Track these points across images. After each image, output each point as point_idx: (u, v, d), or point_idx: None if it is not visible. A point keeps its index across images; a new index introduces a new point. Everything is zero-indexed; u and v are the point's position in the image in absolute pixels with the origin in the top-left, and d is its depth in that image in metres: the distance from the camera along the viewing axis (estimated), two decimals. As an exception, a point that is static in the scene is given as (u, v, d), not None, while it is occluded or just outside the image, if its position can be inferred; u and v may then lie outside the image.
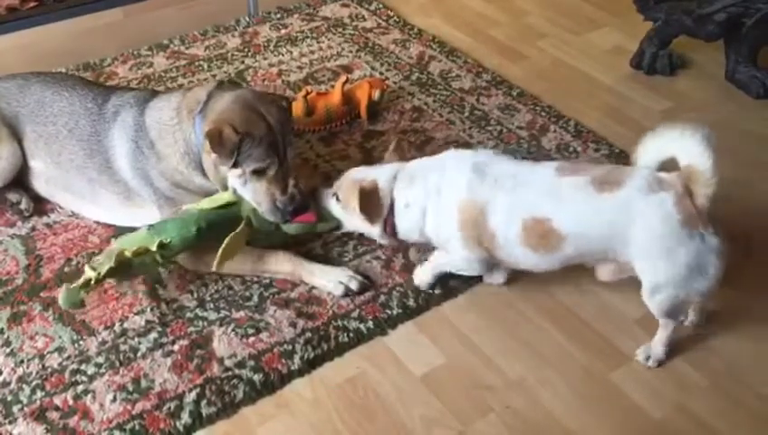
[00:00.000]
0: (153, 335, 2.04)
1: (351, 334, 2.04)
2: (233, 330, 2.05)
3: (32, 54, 3.20)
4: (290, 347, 2.00)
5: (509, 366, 1.97)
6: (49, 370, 1.96)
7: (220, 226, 2.09)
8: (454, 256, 2.05)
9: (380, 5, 3.62)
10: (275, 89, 3.03)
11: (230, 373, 1.94)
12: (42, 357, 1.99)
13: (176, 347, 2.01)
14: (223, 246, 2.04)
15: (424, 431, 1.83)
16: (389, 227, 2.08)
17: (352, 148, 2.72)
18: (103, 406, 1.87)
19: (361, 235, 2.22)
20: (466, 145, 2.70)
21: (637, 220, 1.81)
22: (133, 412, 1.85)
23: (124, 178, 2.27)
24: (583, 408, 1.87)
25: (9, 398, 1.89)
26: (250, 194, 2.12)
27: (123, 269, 2.01)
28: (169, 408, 1.86)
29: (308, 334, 2.03)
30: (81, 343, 2.02)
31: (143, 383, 1.92)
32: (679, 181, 1.80)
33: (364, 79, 2.96)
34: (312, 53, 3.28)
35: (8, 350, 2.01)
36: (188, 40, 3.36)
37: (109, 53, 3.25)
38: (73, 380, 1.93)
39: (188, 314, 2.10)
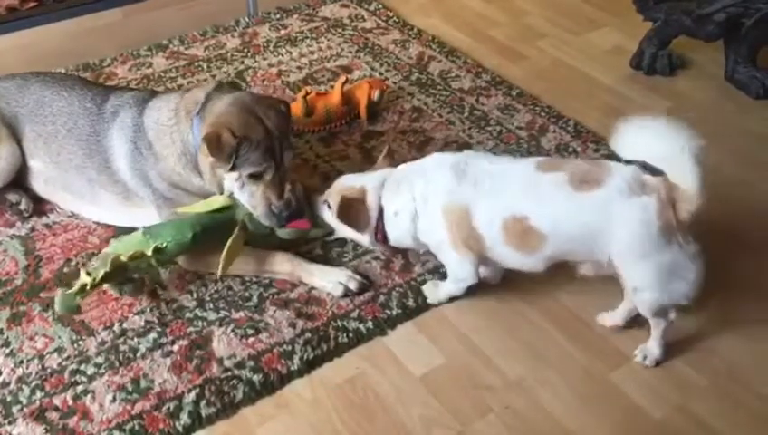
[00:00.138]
0: (152, 336, 2.04)
1: (351, 335, 2.04)
2: (232, 330, 2.05)
3: (31, 54, 3.20)
4: (289, 347, 2.00)
5: (509, 366, 1.97)
6: (48, 370, 1.95)
7: (216, 230, 2.09)
8: (448, 260, 2.03)
9: (380, 6, 3.62)
10: (275, 89, 3.03)
11: (229, 374, 1.94)
12: (41, 357, 1.99)
13: (175, 347, 2.01)
14: (224, 252, 2.04)
15: (423, 431, 1.83)
16: (380, 235, 2.06)
17: (352, 148, 2.72)
18: (103, 406, 1.87)
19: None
20: (466, 145, 2.70)
21: (616, 222, 1.78)
22: (133, 413, 1.85)
23: (123, 179, 2.27)
24: (583, 408, 1.87)
25: (9, 398, 1.89)
26: (246, 198, 2.11)
27: (119, 274, 2.01)
28: (169, 408, 1.86)
29: (307, 335, 2.03)
30: (80, 343, 2.02)
31: (142, 384, 1.92)
32: (663, 187, 1.76)
33: (364, 79, 2.96)
34: (312, 53, 3.28)
35: (8, 350, 2.01)
36: (188, 40, 3.36)
37: (108, 53, 3.25)
38: (73, 380, 1.93)
39: (188, 315, 2.10)
